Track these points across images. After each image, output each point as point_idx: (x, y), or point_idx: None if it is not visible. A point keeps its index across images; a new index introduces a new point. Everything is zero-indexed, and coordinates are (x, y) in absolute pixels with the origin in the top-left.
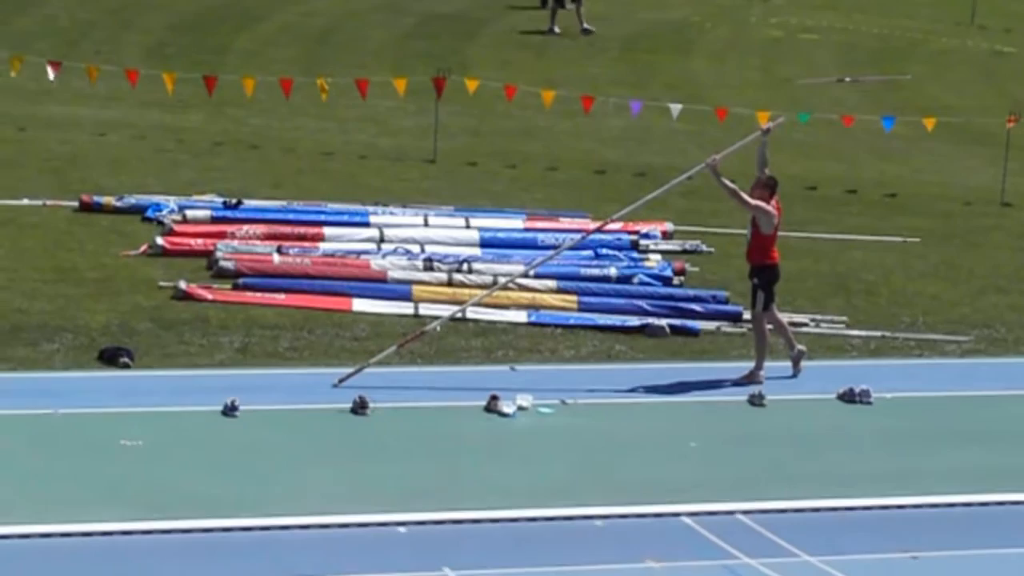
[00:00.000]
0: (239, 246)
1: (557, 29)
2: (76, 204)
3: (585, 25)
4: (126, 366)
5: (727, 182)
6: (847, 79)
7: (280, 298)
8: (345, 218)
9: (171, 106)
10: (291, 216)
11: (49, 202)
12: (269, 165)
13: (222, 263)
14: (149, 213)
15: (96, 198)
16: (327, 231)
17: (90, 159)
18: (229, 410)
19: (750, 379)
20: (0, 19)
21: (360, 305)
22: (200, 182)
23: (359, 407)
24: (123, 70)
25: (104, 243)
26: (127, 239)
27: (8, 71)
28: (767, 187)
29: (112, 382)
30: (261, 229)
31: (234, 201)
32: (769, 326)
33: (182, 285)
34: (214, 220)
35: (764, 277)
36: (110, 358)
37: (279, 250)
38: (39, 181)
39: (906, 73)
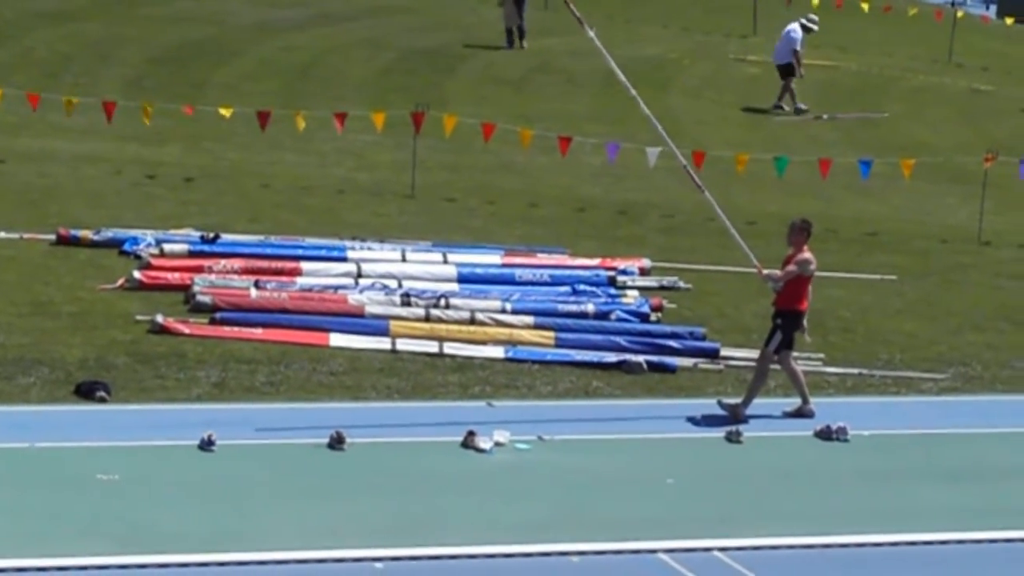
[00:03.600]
0: (216, 280)
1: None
2: (53, 237)
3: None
4: (103, 400)
5: (777, 277)
6: (824, 117)
7: (257, 332)
8: (323, 253)
9: (148, 139)
10: (268, 251)
11: (26, 235)
12: (246, 199)
13: (199, 297)
14: (126, 247)
15: (73, 231)
16: (304, 266)
17: (67, 192)
18: (206, 445)
19: (734, 414)
20: None
21: (337, 340)
22: (177, 216)
23: (336, 442)
24: (100, 102)
25: (81, 277)
26: (104, 273)
27: None
28: (803, 231)
29: (88, 416)
30: (238, 263)
31: (211, 235)
32: (775, 366)
33: (159, 319)
34: (191, 254)
35: (788, 321)
36: (87, 392)
37: (256, 284)
38: (16, 214)
39: (883, 111)
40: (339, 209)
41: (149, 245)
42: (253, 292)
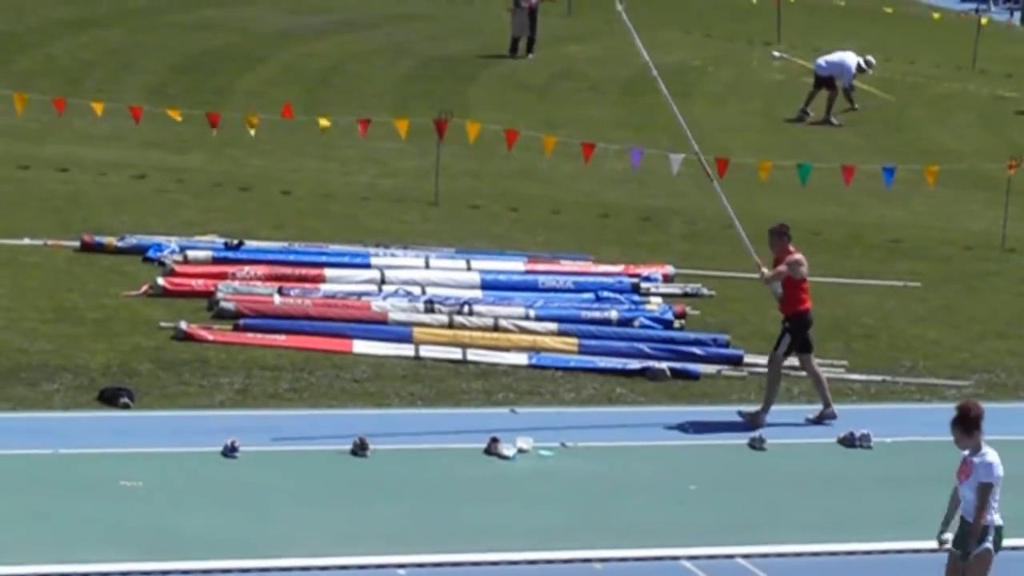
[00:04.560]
0: (240, 287)
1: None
2: (77, 244)
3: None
4: (126, 406)
5: (768, 276)
6: (834, 122)
7: (280, 339)
8: (346, 259)
9: (172, 146)
10: (292, 257)
11: (50, 242)
12: (270, 206)
13: (223, 304)
14: (150, 253)
15: (97, 238)
16: (328, 272)
17: (91, 199)
18: (229, 451)
19: (754, 422)
20: (2, 58)
21: (361, 347)
22: (201, 223)
23: (359, 448)
24: (127, 107)
25: (105, 283)
26: (128, 279)
27: (11, 110)
28: (781, 235)
29: (112, 422)
30: (262, 270)
31: (235, 242)
32: (799, 372)
33: (183, 326)
34: (215, 261)
35: (795, 325)
36: (110, 398)
37: (280, 291)
38: (40, 221)
39: (890, 96)
40: (362, 216)
41: (173, 252)
42: (276, 299)
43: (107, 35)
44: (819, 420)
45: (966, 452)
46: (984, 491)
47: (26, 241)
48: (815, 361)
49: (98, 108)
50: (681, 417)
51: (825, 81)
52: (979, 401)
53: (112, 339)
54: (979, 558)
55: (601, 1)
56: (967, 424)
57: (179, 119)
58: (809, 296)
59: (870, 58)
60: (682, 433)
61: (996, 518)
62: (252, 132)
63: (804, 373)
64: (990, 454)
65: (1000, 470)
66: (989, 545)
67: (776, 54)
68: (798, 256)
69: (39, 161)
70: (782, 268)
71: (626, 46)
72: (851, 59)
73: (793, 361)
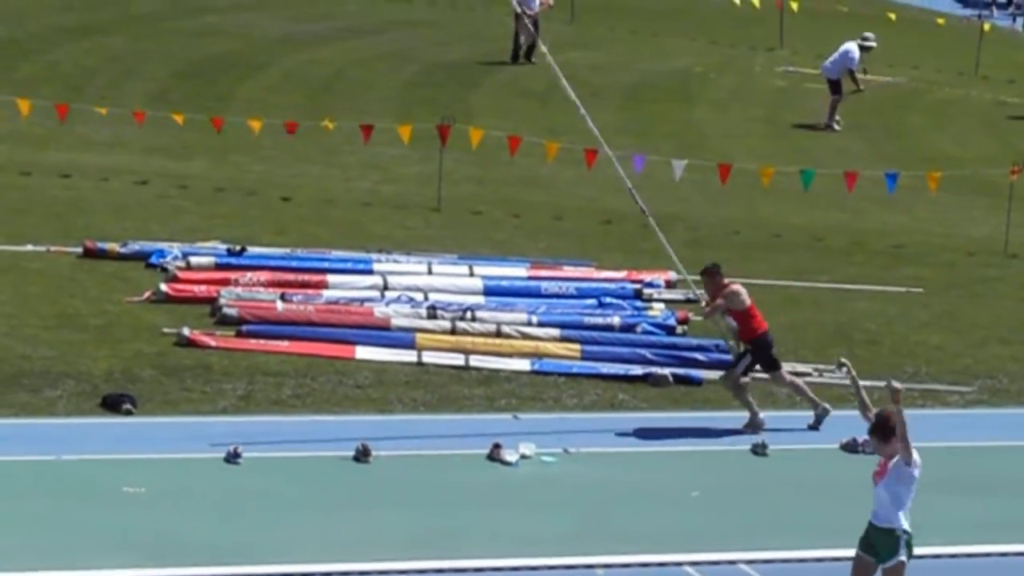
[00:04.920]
0: (243, 293)
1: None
2: (80, 250)
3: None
4: (129, 413)
5: (709, 313)
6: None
7: (283, 345)
8: (349, 265)
9: (175, 153)
10: (295, 263)
11: (53, 248)
12: (273, 212)
13: (225, 310)
14: (153, 259)
15: (100, 244)
16: (331, 278)
17: (94, 205)
18: (232, 457)
19: (754, 426)
20: (5, 65)
21: (363, 353)
22: (204, 229)
23: (361, 455)
24: (131, 112)
25: (107, 289)
26: (131, 285)
27: (14, 116)
28: (711, 275)
29: (115, 429)
30: (265, 276)
31: (238, 248)
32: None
33: (185, 332)
34: (218, 267)
35: (757, 347)
36: (113, 405)
37: (283, 297)
38: (43, 227)
39: (899, 77)
40: (365, 222)
41: (176, 258)
42: (279, 305)
43: (109, 42)
44: (817, 423)
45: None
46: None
47: (29, 247)
48: (786, 372)
49: (102, 107)
50: (683, 423)
51: (834, 85)
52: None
53: (115, 345)
54: (893, 571)
55: (603, 9)
56: (885, 432)
57: (182, 122)
58: (761, 318)
59: (867, 34)
60: (684, 439)
61: (906, 525)
62: (256, 128)
63: (802, 378)
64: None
65: (919, 471)
66: (903, 557)
67: (790, 69)
68: (734, 287)
69: (41, 167)
70: (719, 303)
71: (629, 53)
72: (850, 46)
73: (798, 366)
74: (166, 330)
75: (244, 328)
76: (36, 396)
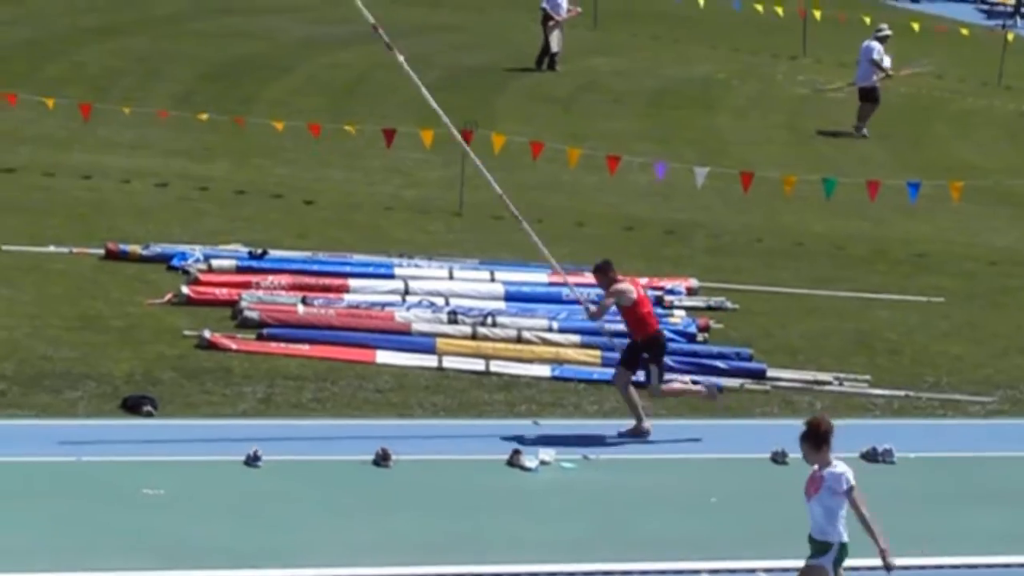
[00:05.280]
0: (264, 296)
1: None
2: (102, 252)
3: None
4: (149, 415)
5: (597, 312)
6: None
7: (304, 349)
8: (370, 270)
9: (197, 155)
10: (316, 267)
11: (75, 249)
12: (294, 215)
13: (247, 313)
14: (174, 262)
15: (122, 246)
16: (352, 282)
17: (116, 207)
18: (252, 460)
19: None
20: (31, 66)
21: (384, 357)
22: (225, 231)
23: (381, 459)
24: (153, 112)
25: (129, 291)
26: (152, 287)
27: (39, 117)
28: (602, 271)
29: (135, 431)
30: (286, 279)
31: (259, 251)
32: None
33: (206, 334)
34: (239, 270)
35: (652, 348)
36: (133, 407)
37: (304, 301)
38: (65, 228)
39: (927, 63)
40: (386, 226)
41: (197, 260)
42: (300, 308)
43: (134, 43)
44: (634, 434)
45: (815, 467)
46: (853, 499)
47: (51, 249)
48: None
49: (127, 107)
50: (703, 430)
51: (868, 93)
52: (830, 417)
53: (136, 347)
54: (812, 571)
55: (626, 15)
56: (816, 439)
57: (205, 119)
58: (654, 318)
59: (881, 25)
60: (704, 446)
61: (844, 535)
62: (279, 130)
63: (822, 387)
64: (839, 466)
65: (851, 481)
66: (826, 564)
67: (820, 87)
68: (621, 285)
69: (65, 169)
70: (607, 301)
71: (651, 59)
72: (868, 43)
73: (819, 375)
74: (187, 333)
75: (265, 331)
76: (57, 397)
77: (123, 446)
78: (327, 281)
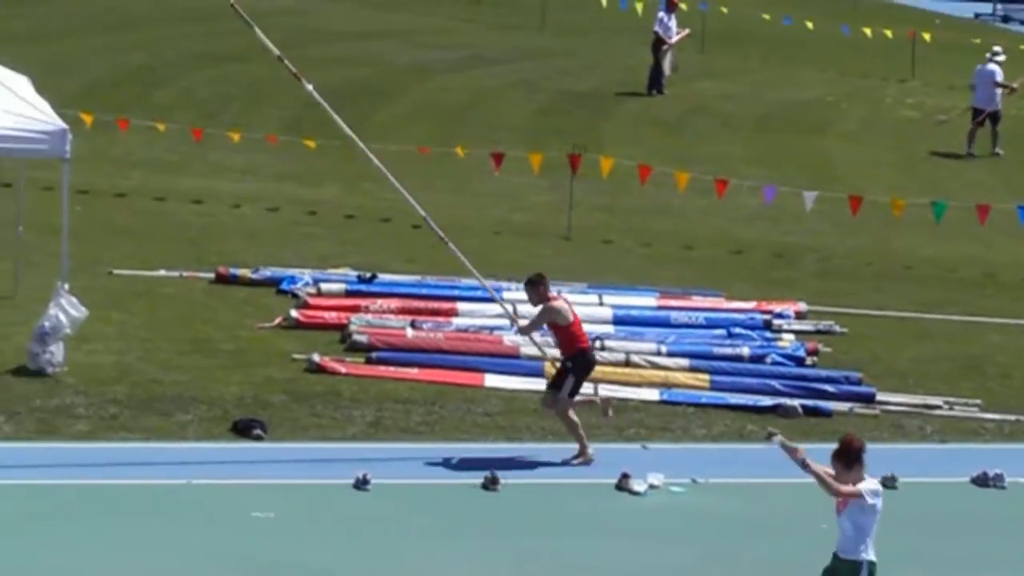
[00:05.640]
0: (373, 320)
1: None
2: (212, 276)
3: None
4: (259, 438)
5: (527, 328)
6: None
7: (413, 372)
8: (479, 293)
9: (307, 179)
10: (425, 291)
11: (185, 273)
12: (403, 239)
13: (356, 337)
14: (284, 286)
15: (232, 270)
16: (460, 306)
17: (226, 231)
18: (361, 484)
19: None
20: (140, 92)
21: (492, 381)
22: (335, 255)
23: (490, 483)
24: (262, 137)
25: (239, 315)
26: (262, 311)
27: (150, 143)
28: (533, 285)
29: (245, 454)
30: (395, 303)
31: (368, 275)
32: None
33: (315, 358)
34: (348, 294)
35: (577, 363)
36: (243, 430)
37: (412, 324)
38: (176, 252)
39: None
40: (495, 250)
41: (307, 284)
42: (409, 332)
43: (243, 69)
44: (574, 459)
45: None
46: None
47: (162, 273)
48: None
49: (235, 136)
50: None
51: (993, 115)
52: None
53: (245, 371)
54: None
55: (734, 38)
56: (848, 457)
57: (313, 147)
58: (584, 336)
59: (995, 48)
60: None
61: (871, 554)
62: (388, 152)
63: (932, 411)
64: (870, 483)
65: (879, 501)
66: None
67: (941, 118)
68: (557, 304)
69: (175, 193)
70: (540, 317)
71: (760, 82)
72: (984, 67)
73: (929, 399)
74: (296, 356)
75: (374, 355)
76: (168, 420)
77: (233, 469)
78: (436, 305)
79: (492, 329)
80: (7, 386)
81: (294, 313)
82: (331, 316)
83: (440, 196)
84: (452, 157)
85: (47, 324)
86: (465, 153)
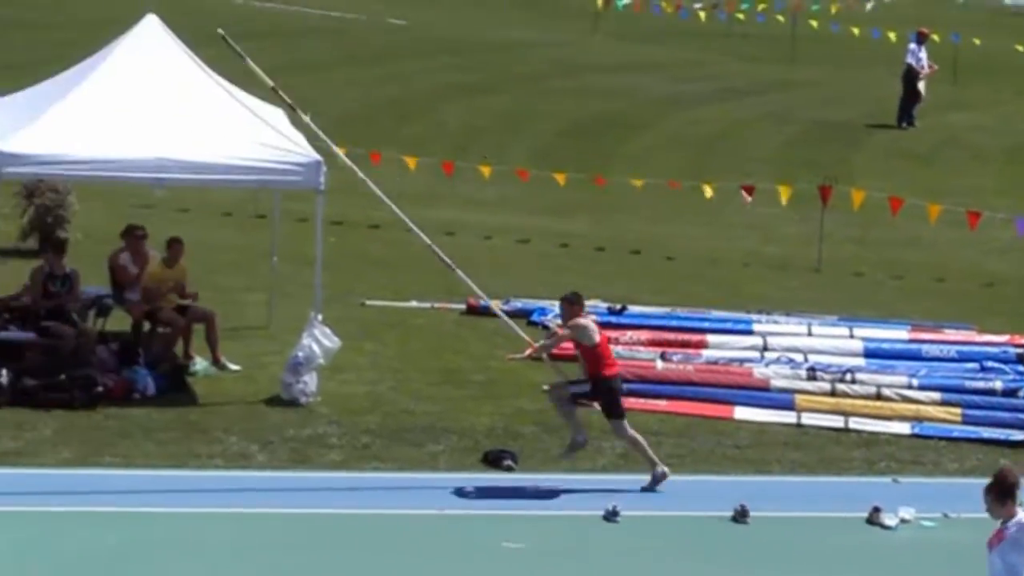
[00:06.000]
0: (623, 351)
1: None
2: (463, 307)
3: None
4: (509, 469)
5: (547, 345)
6: None
7: (662, 404)
8: (728, 325)
9: (557, 211)
10: (674, 323)
11: (437, 304)
12: (653, 271)
13: None
14: (534, 317)
15: (483, 301)
16: (710, 338)
17: (477, 262)
18: (610, 515)
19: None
20: (392, 124)
21: (742, 413)
22: (585, 287)
23: (740, 516)
24: (512, 171)
25: (490, 346)
26: (512, 343)
27: (402, 174)
28: (569, 303)
29: (495, 484)
30: (645, 335)
31: (619, 307)
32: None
33: None
34: (598, 325)
35: (600, 387)
36: (494, 460)
37: (662, 356)
38: (427, 283)
39: None
40: (744, 282)
41: (556, 316)
42: (659, 364)
43: (494, 101)
44: (652, 485)
45: (999, 521)
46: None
47: (413, 303)
48: (627, 425)
49: (485, 171)
50: None
51: None
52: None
53: (496, 402)
54: None
55: (987, 70)
56: (1002, 491)
57: (563, 183)
58: (613, 362)
59: None
60: None
61: None
62: (638, 187)
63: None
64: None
65: None
66: None
67: None
68: (583, 321)
69: (427, 224)
70: (562, 333)
71: (1011, 115)
72: None
73: None
74: (546, 387)
75: (624, 386)
76: (419, 450)
77: (484, 499)
78: (686, 337)
79: (742, 361)
80: (261, 415)
81: None
82: None
83: (690, 228)
84: (702, 189)
85: (301, 354)
86: (714, 186)
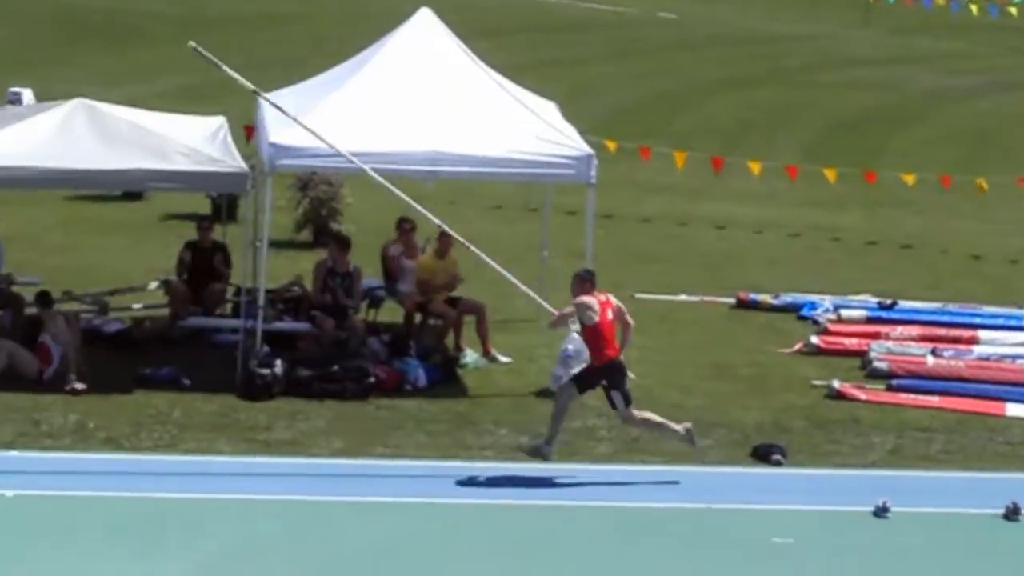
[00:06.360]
0: (893, 347)
1: None
2: (733, 301)
3: None
4: (778, 464)
5: (556, 320)
6: None
7: (933, 400)
8: (1000, 321)
9: (828, 205)
10: (946, 318)
11: (706, 298)
12: (925, 266)
13: (876, 364)
14: (804, 312)
15: (752, 295)
16: (982, 334)
17: (747, 257)
18: (880, 511)
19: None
20: (662, 118)
21: (1014, 410)
22: (856, 282)
23: (1012, 513)
24: (783, 166)
25: (759, 340)
26: (782, 337)
27: (671, 168)
28: (579, 280)
29: (764, 479)
30: (915, 331)
31: (889, 302)
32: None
33: (835, 384)
34: (869, 320)
35: (610, 376)
36: (763, 455)
37: (933, 352)
38: (697, 277)
39: None
40: (1015, 278)
41: (827, 310)
42: (930, 360)
43: (763, 95)
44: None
45: None
46: None
47: (682, 297)
48: (633, 411)
49: (754, 167)
50: None
51: None
52: None
53: (765, 396)
54: None
55: None
56: None
57: (833, 179)
58: (612, 344)
59: None
60: None
61: None
62: (910, 182)
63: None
64: None
65: None
66: None
67: None
68: (587, 299)
69: (697, 218)
70: (568, 310)
71: None
72: None
73: None
74: (816, 382)
75: (894, 382)
76: (688, 444)
77: (752, 494)
78: (957, 332)
79: (1014, 358)
80: (531, 408)
81: (814, 339)
82: (851, 343)
83: (962, 222)
84: (975, 183)
85: (570, 347)
86: (988, 184)
